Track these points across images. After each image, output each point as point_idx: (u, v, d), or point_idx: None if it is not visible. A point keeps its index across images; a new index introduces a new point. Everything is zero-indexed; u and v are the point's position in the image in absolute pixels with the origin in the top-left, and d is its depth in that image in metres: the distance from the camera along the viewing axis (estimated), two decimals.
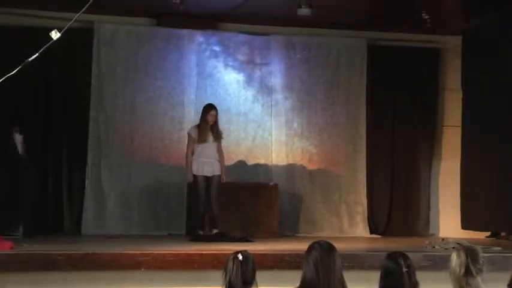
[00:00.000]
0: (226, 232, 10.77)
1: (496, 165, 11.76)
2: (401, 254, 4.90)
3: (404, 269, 4.76)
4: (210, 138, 10.75)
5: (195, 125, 10.94)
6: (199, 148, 10.75)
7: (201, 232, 10.66)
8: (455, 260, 5.02)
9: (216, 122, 10.81)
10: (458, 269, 4.97)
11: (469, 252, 5.04)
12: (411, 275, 4.80)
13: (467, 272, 4.97)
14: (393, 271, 4.80)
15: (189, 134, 10.96)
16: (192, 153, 10.79)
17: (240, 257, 4.82)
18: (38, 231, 10.70)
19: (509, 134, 11.55)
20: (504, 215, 11.51)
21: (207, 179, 10.74)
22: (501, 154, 11.72)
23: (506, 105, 11.63)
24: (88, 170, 11.95)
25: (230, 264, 4.81)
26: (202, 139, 10.72)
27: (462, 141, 12.74)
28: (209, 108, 10.84)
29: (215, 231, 10.65)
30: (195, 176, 10.74)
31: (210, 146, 10.76)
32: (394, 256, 4.89)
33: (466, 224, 12.37)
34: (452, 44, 13.26)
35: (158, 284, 7.77)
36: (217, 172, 10.80)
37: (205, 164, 10.74)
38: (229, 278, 4.79)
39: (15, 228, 10.30)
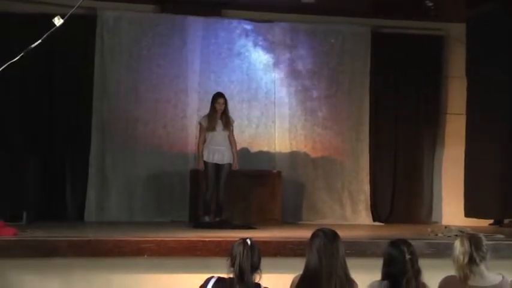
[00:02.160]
0: (229, 219, 10.80)
1: (500, 153, 11.76)
2: (404, 242, 4.92)
3: (407, 256, 4.78)
4: (220, 126, 10.79)
5: (206, 114, 10.95)
6: (210, 136, 10.79)
7: (206, 218, 10.68)
8: (459, 247, 5.03)
9: (225, 111, 10.84)
10: (462, 257, 4.99)
11: (473, 240, 5.06)
12: (414, 262, 4.82)
13: (471, 260, 4.99)
14: (396, 258, 4.81)
15: (200, 123, 10.99)
16: (204, 142, 10.82)
17: (249, 242, 4.84)
18: (41, 218, 10.72)
19: None
20: (508, 202, 11.51)
21: (218, 166, 10.78)
22: (505, 142, 11.72)
23: (510, 93, 11.61)
24: (91, 157, 11.97)
25: (240, 248, 4.82)
26: (211, 127, 10.76)
27: (466, 129, 12.73)
28: (217, 96, 10.87)
29: (218, 219, 10.68)
30: (205, 163, 10.77)
31: (219, 134, 10.79)
32: (397, 243, 4.90)
33: (469, 212, 12.37)
34: (456, 32, 13.23)
35: (161, 271, 7.79)
36: (228, 160, 10.82)
37: (216, 151, 10.77)
38: (240, 263, 4.81)
39: (18, 215, 10.31)
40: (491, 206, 11.91)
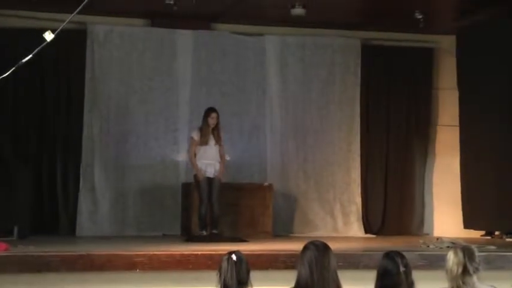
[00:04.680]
0: (220, 232, 10.80)
1: (495, 164, 11.77)
2: (399, 254, 4.91)
3: (402, 269, 4.77)
4: (212, 140, 10.84)
5: (198, 128, 10.99)
6: (202, 150, 10.86)
7: (203, 232, 10.70)
8: (453, 259, 5.03)
9: (217, 125, 10.89)
10: (455, 268, 4.99)
11: (466, 251, 5.06)
12: (408, 274, 4.81)
13: (465, 271, 4.99)
14: (391, 270, 4.80)
15: (191, 137, 11.04)
16: (195, 155, 10.85)
17: (234, 257, 4.82)
18: (33, 233, 10.69)
19: (507, 132, 11.57)
20: (505, 213, 11.51)
21: (210, 180, 10.82)
22: (497, 153, 11.74)
23: (503, 103, 11.66)
24: (82, 171, 11.94)
25: (224, 264, 4.81)
26: (204, 141, 10.83)
27: (460, 140, 12.76)
28: (210, 111, 10.93)
29: (215, 231, 10.70)
30: (197, 176, 10.81)
31: (211, 148, 10.87)
32: (391, 255, 4.89)
33: (468, 224, 12.38)
34: (445, 44, 13.29)
35: (153, 285, 7.77)
36: (221, 175, 10.92)
37: (208, 165, 10.86)
38: (224, 279, 4.79)
39: (10, 230, 10.29)
40: (489, 217, 11.92)
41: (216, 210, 10.84)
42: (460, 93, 12.86)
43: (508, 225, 11.80)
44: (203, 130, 10.87)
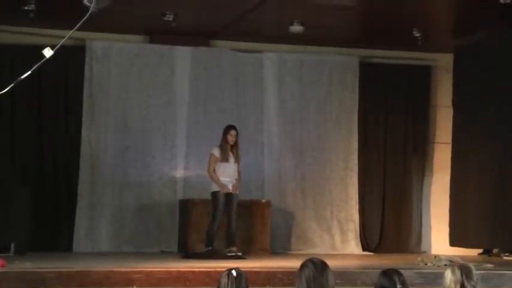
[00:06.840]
0: (218, 249, 10.77)
1: (486, 183, 11.79)
2: (396, 271, 4.91)
3: (399, 286, 4.77)
4: (231, 158, 10.89)
5: (217, 145, 10.99)
6: (222, 167, 10.89)
7: (210, 248, 10.66)
8: (450, 277, 5.03)
9: (236, 143, 10.92)
10: (453, 286, 4.99)
11: (464, 269, 5.06)
12: None
13: None
14: None
15: (212, 154, 10.98)
16: (214, 172, 10.90)
17: (234, 273, 4.83)
18: (30, 249, 10.66)
19: (499, 151, 11.59)
20: (493, 232, 11.52)
21: (228, 196, 10.84)
22: (491, 171, 11.75)
23: (497, 123, 11.68)
24: (80, 187, 11.92)
25: (225, 280, 4.81)
26: (224, 158, 10.86)
27: (452, 158, 12.78)
28: (229, 128, 10.98)
29: (234, 249, 10.69)
30: (216, 193, 10.84)
31: (231, 166, 10.92)
32: (389, 273, 4.89)
33: (454, 241, 12.39)
34: (443, 62, 13.33)
35: None
36: (237, 191, 10.96)
37: (227, 183, 10.90)
38: None
39: (7, 246, 10.26)
40: (476, 235, 11.93)
41: (233, 228, 10.85)
42: (455, 111, 12.89)
43: (497, 244, 11.81)
44: (223, 147, 10.90)
